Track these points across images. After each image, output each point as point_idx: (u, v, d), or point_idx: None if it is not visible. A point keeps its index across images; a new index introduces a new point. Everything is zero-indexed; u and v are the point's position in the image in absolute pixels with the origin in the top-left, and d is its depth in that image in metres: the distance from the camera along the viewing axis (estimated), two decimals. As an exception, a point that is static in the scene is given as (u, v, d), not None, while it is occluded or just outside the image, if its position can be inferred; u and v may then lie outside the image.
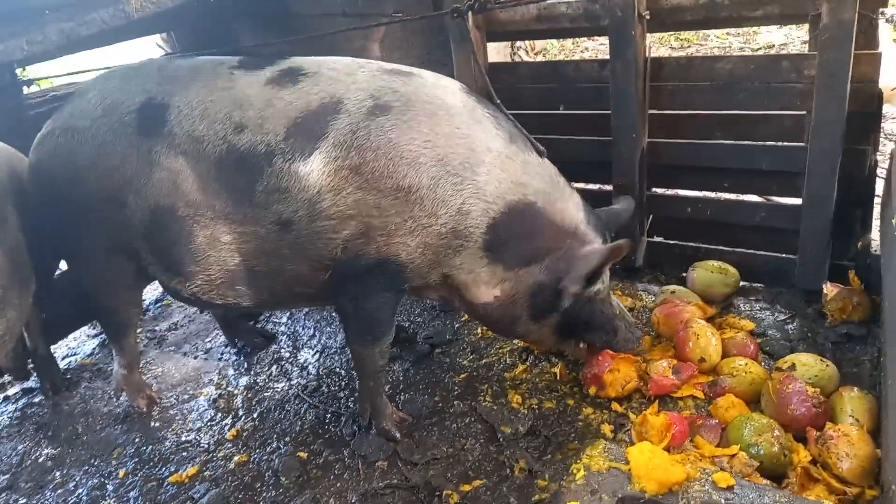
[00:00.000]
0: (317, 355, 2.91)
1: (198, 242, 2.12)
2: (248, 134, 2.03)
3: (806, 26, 3.73)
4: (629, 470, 1.79)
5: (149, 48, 4.03)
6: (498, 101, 2.52)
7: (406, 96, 2.03)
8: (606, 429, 2.21)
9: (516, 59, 6.45)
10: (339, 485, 2.16)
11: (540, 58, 6.90)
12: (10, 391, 2.90)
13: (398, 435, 2.30)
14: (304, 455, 2.30)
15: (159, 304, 3.51)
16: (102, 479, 2.32)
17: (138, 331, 3.19)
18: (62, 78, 3.26)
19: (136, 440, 2.49)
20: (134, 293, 2.51)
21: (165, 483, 2.26)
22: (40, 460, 2.44)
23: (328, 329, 3.08)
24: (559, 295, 2.16)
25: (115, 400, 2.73)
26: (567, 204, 2.17)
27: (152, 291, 3.54)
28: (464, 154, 2.01)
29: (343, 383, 2.68)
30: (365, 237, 2.02)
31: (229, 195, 2.06)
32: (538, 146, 2.24)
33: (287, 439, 2.39)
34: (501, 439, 2.25)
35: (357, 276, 2.09)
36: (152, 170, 2.10)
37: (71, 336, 3.28)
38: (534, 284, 2.14)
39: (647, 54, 2.81)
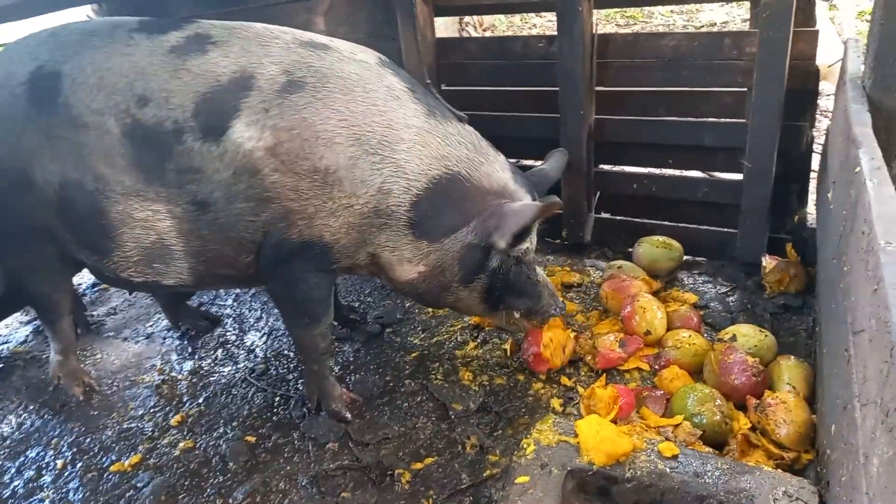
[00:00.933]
0: (264, 337, 2.85)
1: (110, 217, 2.03)
2: (153, 108, 1.93)
3: (747, 4, 3.79)
4: (578, 443, 1.81)
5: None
6: (428, 81, 2.50)
7: (321, 72, 1.95)
8: (556, 403, 2.24)
9: (464, 35, 6.40)
10: (288, 468, 2.13)
11: (488, 34, 6.87)
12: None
13: (348, 415, 2.28)
14: (252, 439, 2.26)
15: (97, 289, 3.38)
16: (40, 471, 2.23)
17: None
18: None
19: (75, 429, 2.40)
20: (62, 276, 2.40)
21: (107, 473, 2.19)
22: (-29, 454, 2.33)
23: (276, 311, 3.01)
24: (487, 253, 2.08)
25: (51, 388, 2.62)
26: (492, 166, 2.11)
27: (89, 275, 3.39)
28: (382, 132, 1.95)
29: (291, 365, 2.63)
30: (286, 220, 1.96)
31: (138, 172, 1.97)
32: (458, 113, 2.22)
33: (234, 424, 2.34)
34: (453, 417, 2.25)
35: (283, 260, 2.03)
36: (54, 143, 1.99)
37: (3, 323, 3.12)
38: (462, 248, 2.07)
39: (593, 31, 2.82)
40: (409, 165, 1.98)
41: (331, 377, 2.33)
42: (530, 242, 2.18)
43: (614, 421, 1.98)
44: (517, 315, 2.25)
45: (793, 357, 2.18)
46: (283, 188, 1.92)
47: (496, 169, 2.12)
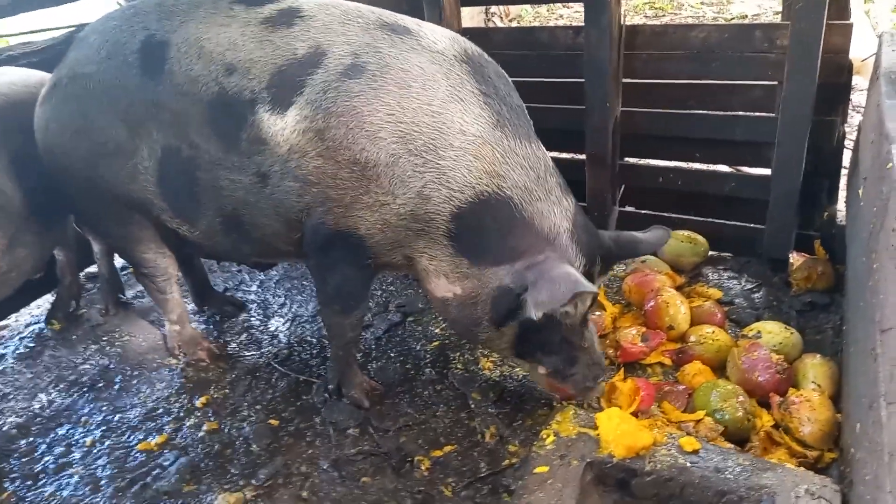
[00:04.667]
0: (287, 323, 2.88)
1: (201, 185, 2.09)
2: (237, 77, 1.97)
3: (779, -4, 3.72)
4: (598, 435, 1.82)
5: (110, 5, 3.87)
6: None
7: (385, 60, 1.89)
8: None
9: (490, 25, 6.37)
10: (310, 451, 2.16)
11: (514, 24, 6.83)
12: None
13: (367, 403, 2.30)
14: (275, 422, 2.30)
15: (126, 272, 3.43)
16: (69, 448, 2.29)
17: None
18: (18, 37, 3.13)
19: (104, 408, 2.46)
20: (162, 244, 2.45)
21: (134, 451, 2.24)
22: (4, 429, 2.39)
23: (299, 297, 3.05)
24: (521, 304, 1.87)
25: (80, 367, 2.68)
26: (552, 208, 1.90)
27: (117, 259, 3.46)
28: (430, 134, 1.84)
29: (314, 351, 2.66)
30: (324, 206, 1.96)
31: (220, 140, 2.01)
32: None
33: (258, 407, 2.38)
34: (472, 406, 2.27)
35: (321, 246, 2.04)
36: (159, 111, 2.06)
37: (34, 304, 3.19)
38: (497, 287, 1.90)
39: (621, 22, 2.79)
40: (453, 174, 1.85)
41: (354, 365, 2.35)
42: (575, 307, 1.91)
43: (635, 414, 1.98)
44: (543, 372, 2.06)
45: (818, 355, 2.15)
46: (324, 174, 1.91)
47: (555, 212, 1.91)
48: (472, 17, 5.85)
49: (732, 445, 1.90)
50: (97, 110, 2.12)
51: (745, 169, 3.30)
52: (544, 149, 2.01)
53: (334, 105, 1.86)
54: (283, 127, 1.92)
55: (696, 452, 1.73)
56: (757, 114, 2.76)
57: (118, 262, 3.41)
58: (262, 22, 2.01)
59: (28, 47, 3.01)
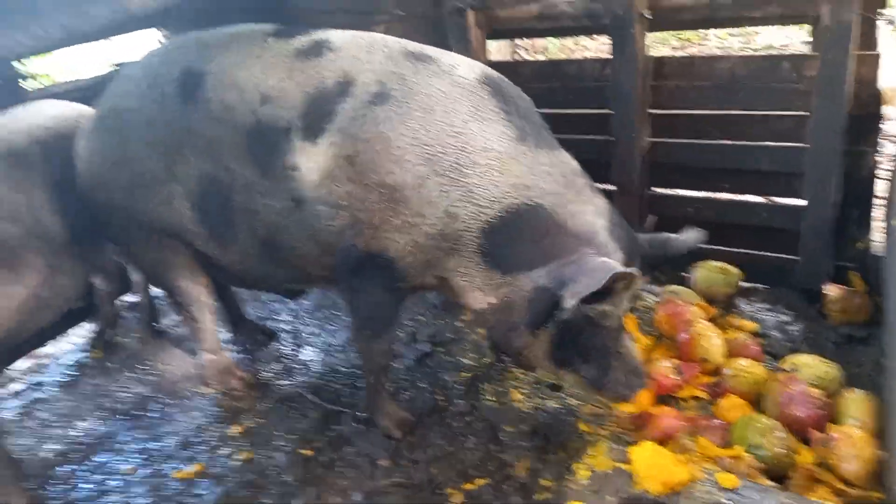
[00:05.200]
0: (320, 353, 2.91)
1: (236, 210, 2.16)
2: (271, 106, 2.05)
3: (806, 27, 3.73)
4: (632, 470, 1.80)
5: (151, 44, 4.01)
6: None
7: (409, 86, 1.96)
8: (606, 430, 2.20)
9: (517, 57, 6.46)
10: (342, 483, 2.17)
11: (540, 57, 6.90)
12: (17, 386, 2.90)
13: (397, 433, 2.31)
14: (307, 452, 2.31)
15: (161, 300, 3.50)
16: (106, 476, 2.32)
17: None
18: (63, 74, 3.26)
19: (141, 436, 2.50)
20: (196, 271, 2.48)
21: (170, 479, 2.27)
22: (43, 456, 2.44)
23: (330, 327, 3.08)
24: (557, 302, 1.86)
25: (118, 395, 2.73)
26: (584, 207, 1.94)
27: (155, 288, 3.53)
28: (454, 154, 1.90)
29: (346, 381, 2.68)
30: (353, 229, 2.01)
31: (255, 166, 2.09)
32: None
33: (291, 437, 2.40)
34: (503, 438, 2.26)
35: (352, 269, 2.08)
36: (196, 138, 2.14)
37: (73, 333, 3.27)
38: (533, 289, 1.92)
39: (647, 53, 2.82)
40: (479, 191, 1.91)
41: (384, 393, 2.36)
42: (613, 306, 1.88)
43: (661, 442, 1.94)
44: (582, 380, 2.04)
45: (859, 390, 2.10)
46: (355, 199, 1.97)
47: (587, 211, 1.95)
48: (498, 49, 5.93)
49: (772, 482, 1.86)
50: (137, 140, 2.22)
51: (776, 199, 3.27)
52: (569, 155, 2.07)
53: (362, 131, 1.94)
54: (315, 153, 1.99)
55: (734, 489, 1.70)
56: (787, 144, 2.75)
57: (155, 290, 3.48)
58: (294, 53, 2.10)
59: (72, 84, 3.14)
